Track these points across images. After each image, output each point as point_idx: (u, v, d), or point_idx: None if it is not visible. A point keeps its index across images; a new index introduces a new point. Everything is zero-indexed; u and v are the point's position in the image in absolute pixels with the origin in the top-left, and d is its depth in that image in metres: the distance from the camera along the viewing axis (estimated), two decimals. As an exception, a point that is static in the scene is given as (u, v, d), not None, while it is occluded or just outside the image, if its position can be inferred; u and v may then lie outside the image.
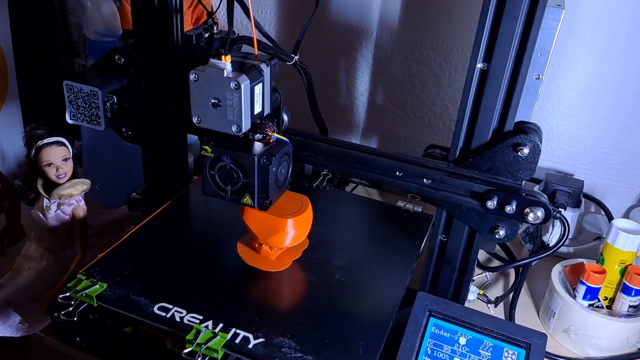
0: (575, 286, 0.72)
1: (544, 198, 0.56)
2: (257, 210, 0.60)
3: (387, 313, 0.57)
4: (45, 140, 0.67)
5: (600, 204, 0.89)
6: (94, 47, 0.86)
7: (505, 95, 0.55)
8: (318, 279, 0.61)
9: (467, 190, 0.58)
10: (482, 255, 0.86)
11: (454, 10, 0.89)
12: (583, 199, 0.86)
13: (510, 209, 0.56)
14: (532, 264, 0.78)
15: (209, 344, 0.50)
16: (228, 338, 0.51)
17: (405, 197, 0.75)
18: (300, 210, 0.61)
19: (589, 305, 0.71)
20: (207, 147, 0.54)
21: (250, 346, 0.51)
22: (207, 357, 0.50)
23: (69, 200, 0.70)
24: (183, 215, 0.71)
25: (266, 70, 0.53)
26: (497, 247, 0.87)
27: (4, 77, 0.94)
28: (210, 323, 0.53)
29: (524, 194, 0.56)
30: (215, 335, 0.51)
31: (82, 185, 0.70)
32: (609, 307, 0.72)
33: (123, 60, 0.66)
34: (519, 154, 0.55)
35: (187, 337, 0.51)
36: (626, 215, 0.91)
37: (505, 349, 0.56)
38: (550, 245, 0.74)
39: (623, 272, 0.71)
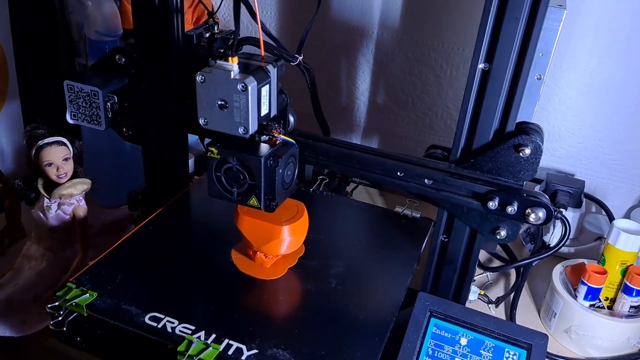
0: (576, 286, 0.72)
1: (546, 199, 0.56)
2: (252, 217, 0.59)
3: (384, 322, 0.56)
4: (46, 140, 0.67)
5: (601, 204, 0.89)
6: (94, 47, 0.85)
7: (506, 96, 0.55)
8: (314, 287, 0.60)
9: (468, 191, 0.58)
10: (482, 255, 0.86)
11: (455, 11, 0.89)
12: (584, 199, 0.85)
13: (511, 209, 0.55)
14: (533, 264, 0.78)
15: (201, 356, 0.49)
16: (220, 349, 0.50)
17: (403, 201, 0.75)
18: (296, 217, 0.60)
19: (590, 305, 0.71)
20: (213, 149, 0.54)
21: (243, 358, 0.50)
22: None
23: (70, 200, 0.70)
24: (176, 221, 0.69)
25: (273, 71, 0.53)
26: (498, 247, 0.87)
27: (4, 76, 0.94)
28: (202, 334, 0.52)
29: (525, 195, 0.55)
30: (207, 346, 0.50)
31: (82, 185, 0.70)
32: (610, 308, 0.72)
33: (124, 60, 0.66)
34: (521, 154, 0.55)
35: (178, 349, 0.50)
36: (627, 216, 0.90)
37: (507, 349, 0.56)
38: (551, 245, 0.74)
39: (624, 272, 0.71)
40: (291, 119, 0.60)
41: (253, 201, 0.55)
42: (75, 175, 0.70)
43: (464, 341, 0.57)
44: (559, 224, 0.77)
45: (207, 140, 1.03)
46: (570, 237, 0.82)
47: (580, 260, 0.76)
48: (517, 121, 0.56)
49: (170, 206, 0.71)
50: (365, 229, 0.74)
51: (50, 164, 0.67)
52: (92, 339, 0.56)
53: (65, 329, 0.54)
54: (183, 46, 0.65)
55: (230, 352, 0.50)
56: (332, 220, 0.73)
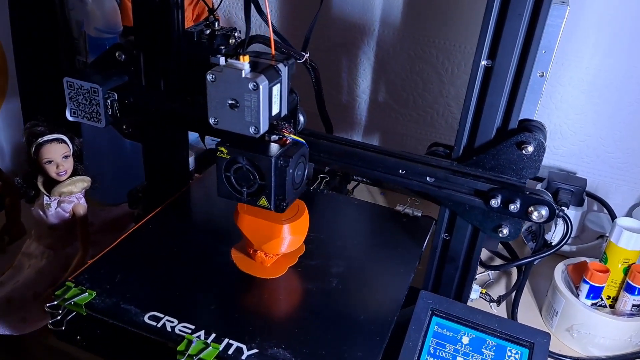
0: (578, 285, 0.72)
1: (548, 196, 0.55)
2: (252, 216, 0.59)
3: (385, 322, 0.56)
4: (46, 138, 0.67)
5: (603, 203, 0.88)
6: (94, 44, 0.85)
7: (509, 93, 0.54)
8: (315, 287, 0.60)
9: (470, 189, 0.57)
10: (484, 253, 0.85)
11: (456, 8, 0.89)
12: (586, 198, 0.85)
13: (514, 207, 0.55)
14: (535, 263, 0.78)
15: (201, 355, 0.49)
16: (220, 349, 0.50)
17: (404, 200, 0.75)
18: (297, 216, 0.60)
19: (592, 304, 0.71)
20: (223, 149, 0.54)
21: (243, 357, 0.50)
22: None
23: (70, 197, 0.69)
24: (176, 219, 0.69)
25: (284, 70, 0.53)
26: (499, 245, 0.87)
27: (4, 73, 0.94)
28: (202, 333, 0.52)
29: (528, 192, 0.55)
30: (207, 346, 0.50)
31: (82, 182, 0.70)
32: (612, 306, 0.72)
33: (124, 57, 0.66)
34: (523, 152, 0.55)
35: (178, 348, 0.50)
36: (629, 214, 0.90)
37: (509, 348, 0.56)
38: (553, 243, 0.74)
39: (626, 271, 0.70)
40: (301, 118, 0.60)
41: (263, 201, 0.54)
42: (75, 173, 0.70)
43: (465, 340, 0.57)
44: (560, 222, 0.77)
45: (207, 138, 1.03)
46: (572, 235, 0.82)
47: (582, 259, 0.76)
48: (519, 118, 0.56)
49: (170, 204, 0.71)
50: (367, 228, 0.74)
51: (50, 162, 0.67)
52: (92, 337, 0.56)
53: (64, 328, 0.53)
54: (183, 43, 0.65)
55: (230, 352, 0.50)
56: (333, 219, 0.73)
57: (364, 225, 0.74)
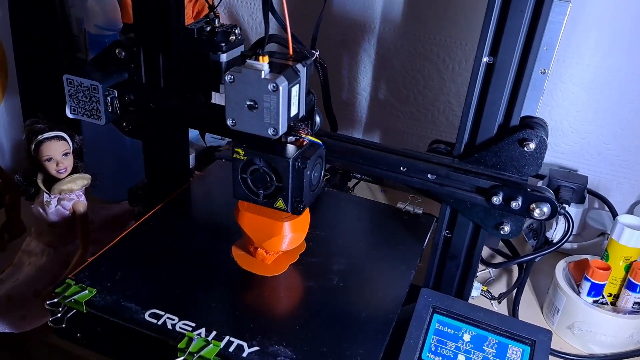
0: (579, 282, 0.72)
1: (550, 194, 0.55)
2: (253, 213, 0.59)
3: (386, 319, 0.55)
4: (46, 135, 0.67)
5: (604, 200, 0.88)
6: (94, 41, 0.85)
7: (511, 90, 0.54)
8: (315, 284, 0.60)
9: (472, 186, 0.57)
10: (485, 251, 0.85)
11: (457, 5, 0.88)
12: (587, 195, 0.85)
13: (516, 204, 0.55)
14: (536, 260, 0.77)
15: (202, 353, 0.49)
16: (221, 346, 0.50)
17: (405, 197, 0.75)
18: None
19: (594, 301, 0.70)
20: (239, 150, 0.53)
21: (244, 355, 0.50)
22: None
23: (70, 195, 0.69)
24: (176, 217, 0.69)
25: (302, 70, 0.52)
26: (500, 243, 0.87)
27: (3, 71, 0.94)
28: (203, 331, 0.51)
29: (529, 190, 0.55)
30: (207, 343, 0.50)
31: (82, 180, 0.70)
32: (613, 304, 0.72)
33: (124, 54, 0.66)
34: (525, 149, 0.54)
35: (178, 346, 0.50)
36: (630, 212, 0.90)
37: (510, 345, 0.56)
38: (554, 241, 0.74)
39: (628, 268, 0.70)
40: (317, 119, 0.59)
41: (280, 203, 0.54)
42: (75, 171, 0.69)
43: (467, 337, 0.57)
44: (561, 219, 0.77)
45: (208, 136, 1.03)
46: (573, 233, 0.82)
47: (584, 256, 0.76)
48: (521, 115, 0.56)
49: (171, 202, 0.70)
50: (367, 226, 0.74)
51: (49, 159, 0.67)
52: (92, 335, 0.56)
53: (64, 325, 0.53)
54: (183, 40, 0.65)
55: (231, 349, 0.50)
56: (334, 216, 0.73)
57: (364, 222, 0.74)
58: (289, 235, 0.59)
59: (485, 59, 0.54)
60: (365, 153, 0.60)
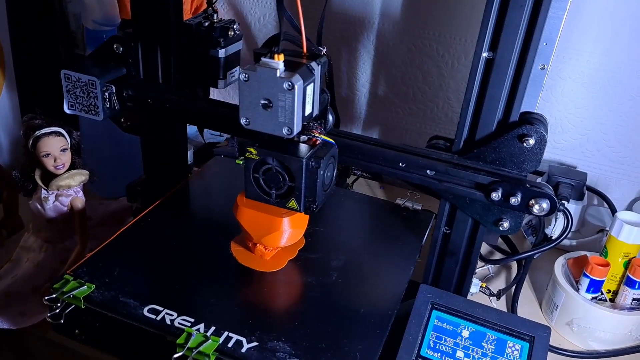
0: (578, 279, 0.72)
1: (550, 189, 0.55)
2: (252, 209, 0.58)
3: (385, 315, 0.55)
4: (43, 131, 0.66)
5: (603, 197, 0.88)
6: (92, 37, 0.85)
7: (510, 85, 0.54)
8: (314, 280, 0.60)
9: (471, 182, 0.57)
10: (484, 248, 0.85)
11: (456, 1, 0.88)
12: (586, 192, 0.85)
13: (515, 200, 0.55)
14: (535, 257, 0.77)
15: (200, 348, 0.49)
16: (220, 342, 0.50)
17: (404, 194, 0.74)
18: None
19: (592, 298, 0.70)
20: (252, 149, 0.52)
21: (243, 350, 0.50)
22: None
23: (67, 191, 0.69)
24: (175, 213, 0.69)
25: (317, 69, 0.51)
26: (499, 239, 0.87)
27: (1, 66, 0.93)
28: (201, 326, 0.51)
29: (529, 185, 0.55)
30: (206, 339, 0.50)
31: (80, 176, 0.69)
32: (612, 300, 0.72)
33: (122, 49, 0.65)
34: (525, 144, 0.54)
35: (177, 341, 0.50)
36: (629, 208, 0.90)
37: (509, 342, 0.56)
38: (553, 238, 0.74)
39: (627, 264, 0.70)
40: (330, 118, 0.58)
41: (292, 203, 0.54)
42: (73, 166, 0.69)
43: (465, 333, 0.56)
44: (561, 216, 0.76)
45: (206, 132, 1.03)
46: (573, 229, 0.82)
47: (583, 253, 0.76)
48: (520, 111, 0.56)
49: (169, 198, 0.70)
50: (366, 221, 0.74)
51: (47, 155, 0.66)
52: (91, 331, 0.56)
53: (62, 321, 0.53)
54: (182, 35, 0.64)
55: (229, 345, 0.50)
56: (333, 212, 0.73)
57: (363, 218, 0.74)
58: (288, 231, 0.59)
59: (484, 54, 0.53)
60: (365, 149, 0.60)
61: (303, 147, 0.53)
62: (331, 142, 0.54)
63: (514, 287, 0.77)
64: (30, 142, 0.66)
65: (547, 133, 0.55)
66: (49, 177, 0.68)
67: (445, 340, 0.56)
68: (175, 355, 0.49)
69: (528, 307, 0.76)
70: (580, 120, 0.89)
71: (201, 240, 0.64)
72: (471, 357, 0.55)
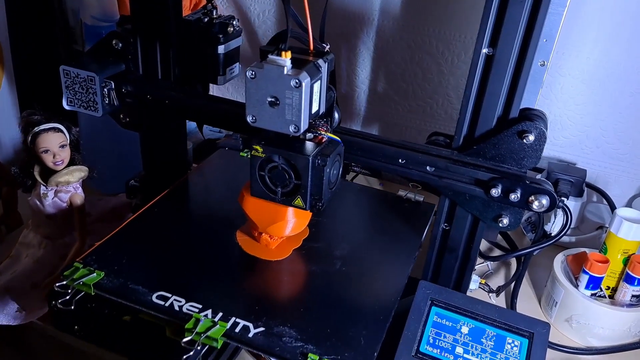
0: (577, 275, 0.72)
1: (549, 186, 0.55)
2: (257, 198, 0.59)
3: (388, 302, 0.56)
4: (42, 127, 0.66)
5: (602, 194, 0.88)
6: (91, 32, 0.84)
7: (510, 81, 0.54)
8: (319, 268, 0.60)
9: (471, 178, 0.57)
10: (483, 244, 0.85)
11: (457, -3, 0.88)
12: (585, 188, 0.85)
13: (514, 196, 0.55)
14: (534, 254, 0.77)
15: (209, 333, 0.50)
16: (228, 327, 0.51)
17: (406, 186, 0.75)
18: None
19: (592, 294, 0.71)
20: (257, 147, 0.52)
21: (250, 335, 0.50)
22: (207, 346, 0.50)
23: (66, 187, 0.69)
24: (181, 203, 0.70)
25: (324, 66, 0.51)
26: (499, 236, 0.87)
27: (0, 62, 0.93)
28: (209, 312, 0.52)
29: (529, 182, 0.55)
30: (214, 324, 0.51)
31: (79, 172, 0.69)
32: (611, 297, 0.72)
33: (120, 45, 0.65)
34: (524, 141, 0.54)
35: (186, 326, 0.50)
36: (628, 205, 0.90)
37: (508, 338, 0.56)
38: (552, 234, 0.74)
39: (626, 261, 0.70)
40: (336, 115, 0.58)
41: (298, 201, 0.54)
42: (72, 162, 0.69)
43: (465, 330, 0.57)
44: (560, 213, 0.77)
45: (205, 128, 1.02)
46: (572, 226, 0.82)
47: (582, 250, 0.76)
48: (520, 108, 0.56)
49: (174, 190, 0.71)
50: (369, 212, 0.74)
51: (46, 151, 0.66)
52: (91, 327, 0.56)
53: (72, 307, 0.53)
54: (181, 31, 0.64)
55: (237, 330, 0.51)
56: (337, 203, 0.73)
57: (366, 209, 0.75)
58: (293, 220, 0.59)
59: (484, 50, 0.53)
60: (364, 145, 0.60)
61: (309, 145, 0.53)
62: (337, 139, 0.54)
63: (513, 284, 0.77)
64: (29, 138, 0.66)
65: (546, 129, 0.55)
66: (48, 173, 0.68)
67: (444, 337, 0.56)
68: (185, 339, 0.49)
69: (527, 304, 0.77)
70: (580, 117, 0.89)
71: (207, 229, 0.65)
72: (470, 353, 0.55)
